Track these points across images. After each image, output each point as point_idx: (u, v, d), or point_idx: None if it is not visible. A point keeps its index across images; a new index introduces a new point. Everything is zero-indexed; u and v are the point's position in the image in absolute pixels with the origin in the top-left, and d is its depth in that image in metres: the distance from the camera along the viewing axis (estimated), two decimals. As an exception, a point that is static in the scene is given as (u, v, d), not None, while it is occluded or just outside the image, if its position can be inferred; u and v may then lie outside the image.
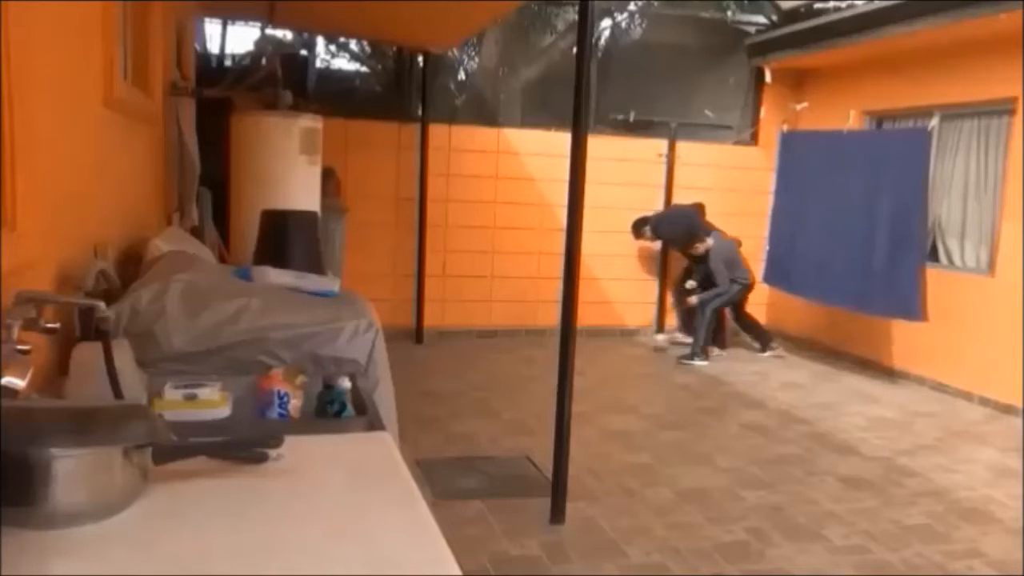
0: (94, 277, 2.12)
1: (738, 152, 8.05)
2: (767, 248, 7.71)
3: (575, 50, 3.77)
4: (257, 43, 7.10)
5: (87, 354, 1.71)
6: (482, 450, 4.66)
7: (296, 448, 1.41)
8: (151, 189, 3.80)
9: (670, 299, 7.99)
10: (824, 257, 6.94)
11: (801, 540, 3.67)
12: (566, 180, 3.72)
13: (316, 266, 3.23)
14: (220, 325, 2.19)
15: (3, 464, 1.08)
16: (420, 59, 7.26)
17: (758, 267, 7.58)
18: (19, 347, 1.38)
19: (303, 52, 7.33)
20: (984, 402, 6.03)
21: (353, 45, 7.99)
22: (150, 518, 1.18)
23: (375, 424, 1.82)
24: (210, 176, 4.79)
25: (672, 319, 7.98)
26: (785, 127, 7.75)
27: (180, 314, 2.17)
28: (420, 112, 7.25)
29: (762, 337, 7.47)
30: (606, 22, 7.93)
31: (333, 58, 8.05)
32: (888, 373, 6.83)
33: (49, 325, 1.52)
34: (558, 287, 4.30)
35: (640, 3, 8.21)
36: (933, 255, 6.63)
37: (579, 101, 3.60)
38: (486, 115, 7.67)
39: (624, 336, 7.91)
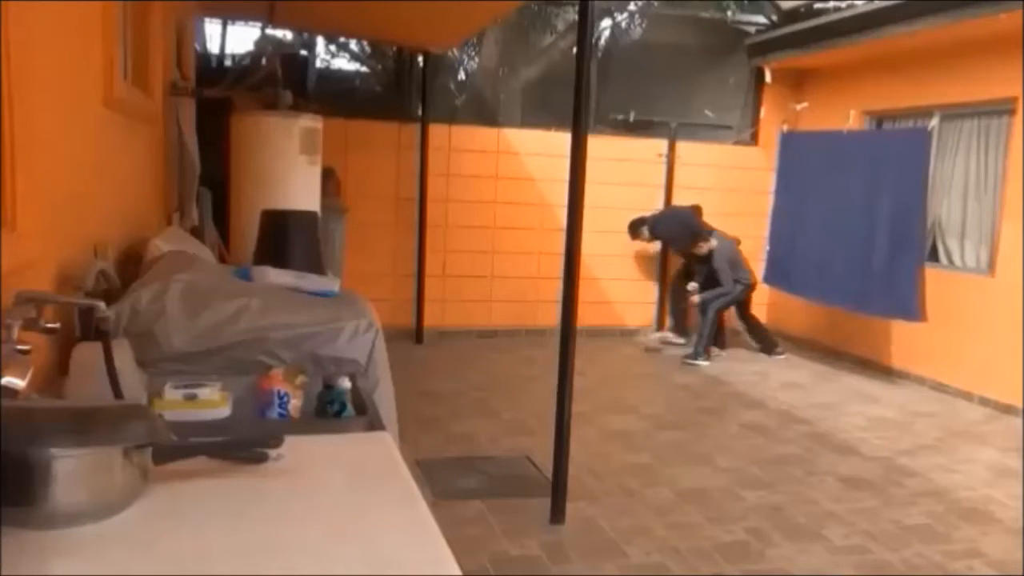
0: (94, 277, 2.12)
1: (738, 152, 8.05)
2: (767, 248, 7.72)
3: (575, 50, 3.77)
4: (257, 43, 7.11)
5: (87, 354, 1.71)
6: (482, 450, 4.66)
7: (296, 448, 1.41)
8: (151, 189, 3.80)
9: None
10: (824, 257, 6.94)
11: (801, 540, 3.67)
12: (566, 180, 3.72)
13: (316, 266, 3.23)
14: (220, 325, 2.19)
15: (3, 464, 1.08)
16: (420, 59, 7.26)
17: (758, 267, 7.57)
18: (19, 347, 1.38)
19: (303, 52, 7.33)
20: (984, 402, 6.03)
21: (353, 45, 7.99)
22: (150, 518, 1.18)
23: (375, 424, 1.82)
24: (210, 176, 4.79)
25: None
26: (785, 127, 7.75)
27: (180, 314, 2.17)
28: (420, 112, 7.25)
29: (768, 342, 7.45)
30: (606, 22, 7.93)
31: (333, 58, 8.05)
32: (888, 373, 6.83)
33: (49, 325, 1.52)
34: (558, 287, 4.30)
35: (640, 3, 8.21)
36: (933, 255, 6.63)
37: (579, 101, 3.60)
38: (486, 115, 7.67)
39: (624, 336, 7.91)
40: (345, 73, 8.09)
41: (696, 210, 7.52)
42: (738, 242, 7.33)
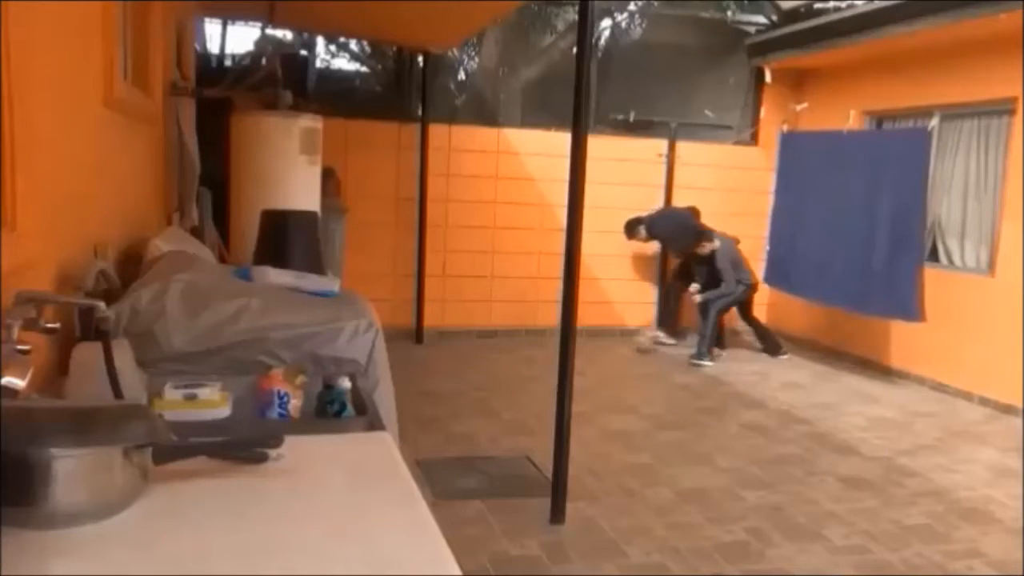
0: (94, 277, 2.12)
1: (738, 152, 8.05)
2: (767, 248, 7.72)
3: (575, 50, 3.77)
4: (257, 43, 7.11)
5: (87, 354, 1.71)
6: (482, 450, 4.66)
7: (296, 448, 1.41)
8: (151, 189, 3.80)
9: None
10: (824, 257, 6.94)
11: (801, 540, 3.67)
12: (566, 180, 3.72)
13: (316, 266, 3.23)
14: (220, 325, 2.19)
15: (3, 464, 1.08)
16: (420, 59, 7.26)
17: (758, 267, 7.57)
18: (19, 347, 1.38)
19: (303, 52, 7.33)
20: (984, 402, 6.03)
21: (353, 45, 7.99)
22: (150, 518, 1.18)
23: (375, 424, 1.82)
24: (210, 176, 4.79)
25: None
26: (785, 127, 7.75)
27: (180, 314, 2.17)
28: (420, 112, 7.25)
29: (772, 343, 7.44)
30: (606, 22, 7.93)
31: (333, 58, 8.05)
32: (888, 373, 6.83)
33: (49, 325, 1.52)
34: (558, 287, 4.30)
35: (640, 3, 8.21)
36: (933, 255, 6.64)
37: (579, 101, 3.60)
38: (486, 115, 7.67)
39: (624, 336, 7.91)
40: (345, 73, 8.09)
41: (694, 211, 7.53)
42: (737, 241, 7.33)
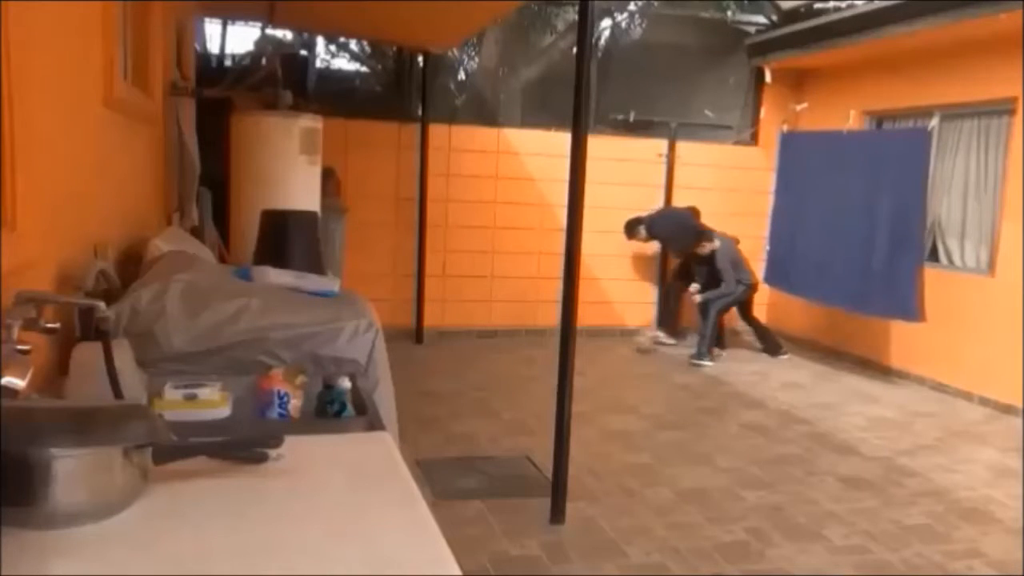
0: (94, 277, 2.12)
1: (738, 152, 8.05)
2: (767, 248, 7.72)
3: (575, 50, 3.77)
4: (257, 43, 7.11)
5: (87, 354, 1.71)
6: (482, 450, 4.66)
7: (296, 448, 1.41)
8: (151, 189, 3.80)
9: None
10: (824, 257, 6.94)
11: (801, 540, 3.67)
12: (566, 180, 3.72)
13: (316, 266, 3.23)
14: (220, 325, 2.19)
15: (3, 464, 1.08)
16: (420, 59, 7.26)
17: (758, 267, 7.57)
18: (19, 347, 1.38)
19: (303, 52, 7.33)
20: (984, 402, 6.03)
21: (353, 45, 7.99)
22: (150, 518, 1.18)
23: (375, 424, 1.82)
24: (210, 176, 4.79)
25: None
26: (785, 127, 7.75)
27: (180, 314, 2.17)
28: (420, 112, 7.25)
29: (772, 343, 7.43)
30: (606, 22, 7.93)
31: (333, 58, 8.05)
32: (888, 373, 6.83)
33: (49, 325, 1.52)
34: (558, 287, 4.30)
35: (640, 3, 8.21)
36: (933, 255, 6.64)
37: (579, 101, 3.60)
38: (486, 115, 7.67)
39: (624, 336, 7.91)
40: (345, 73, 8.09)
41: (694, 211, 7.53)
42: (737, 241, 7.33)
